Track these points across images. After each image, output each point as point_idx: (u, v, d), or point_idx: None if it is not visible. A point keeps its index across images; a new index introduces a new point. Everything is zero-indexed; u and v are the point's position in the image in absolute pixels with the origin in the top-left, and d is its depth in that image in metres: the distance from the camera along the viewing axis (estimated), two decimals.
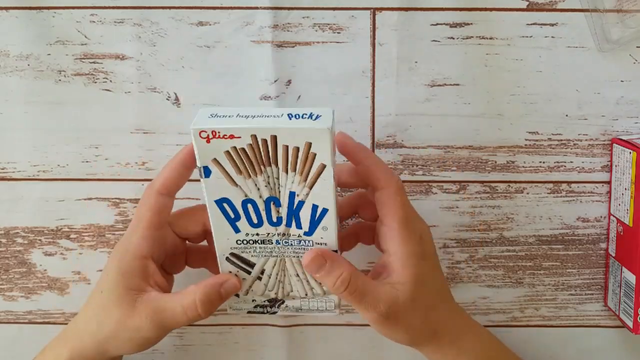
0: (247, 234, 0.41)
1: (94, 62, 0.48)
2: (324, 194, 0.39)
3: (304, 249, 0.41)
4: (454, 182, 0.50)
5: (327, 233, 0.41)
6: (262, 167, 0.39)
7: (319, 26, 0.47)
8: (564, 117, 0.49)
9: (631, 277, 0.47)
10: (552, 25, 0.47)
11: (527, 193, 0.50)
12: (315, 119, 0.37)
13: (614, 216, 0.49)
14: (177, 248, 0.45)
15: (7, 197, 0.50)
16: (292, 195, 0.40)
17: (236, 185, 0.39)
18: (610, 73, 0.48)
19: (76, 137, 0.49)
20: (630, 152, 0.46)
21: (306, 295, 0.44)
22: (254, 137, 0.37)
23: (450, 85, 0.48)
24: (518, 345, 0.53)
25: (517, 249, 0.51)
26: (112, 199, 0.50)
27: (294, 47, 0.48)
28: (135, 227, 0.42)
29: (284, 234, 0.41)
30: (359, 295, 0.39)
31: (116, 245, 0.43)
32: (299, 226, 0.41)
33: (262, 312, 0.45)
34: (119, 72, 0.48)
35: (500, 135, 0.49)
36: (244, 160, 0.38)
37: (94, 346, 0.41)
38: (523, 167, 0.50)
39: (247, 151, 0.38)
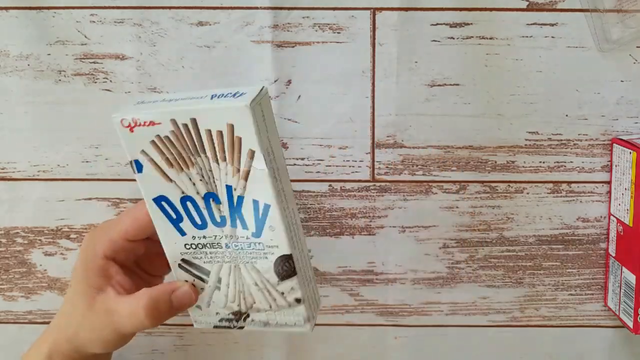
0: (193, 237, 0.38)
1: (94, 62, 0.48)
2: (262, 187, 0.35)
3: (256, 253, 0.37)
4: (454, 182, 0.50)
5: (276, 234, 0.36)
6: (192, 157, 0.35)
7: (319, 26, 0.47)
8: (564, 117, 0.49)
9: (631, 277, 0.47)
10: (552, 25, 0.47)
11: (527, 193, 0.50)
12: (237, 97, 0.33)
13: (614, 216, 0.49)
14: (151, 249, 0.42)
15: (7, 197, 0.50)
16: (229, 189, 0.36)
17: (170, 180, 0.36)
18: (610, 73, 0.48)
19: (76, 137, 0.49)
20: (630, 152, 0.46)
21: (270, 307, 0.39)
22: (174, 121, 0.34)
23: (450, 85, 0.48)
24: (518, 345, 0.53)
25: (517, 249, 0.51)
26: (112, 199, 0.50)
27: (294, 47, 0.48)
28: (113, 226, 0.40)
29: (231, 236, 0.37)
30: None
31: (91, 231, 0.42)
32: (244, 226, 0.37)
33: (229, 327, 0.41)
34: (119, 72, 0.48)
35: (500, 135, 0.49)
36: (172, 151, 0.35)
37: (67, 342, 0.41)
38: (523, 167, 0.50)
39: (172, 139, 0.35)
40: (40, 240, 0.51)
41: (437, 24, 0.47)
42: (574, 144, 0.49)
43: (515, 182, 0.50)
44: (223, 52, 0.48)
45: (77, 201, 0.50)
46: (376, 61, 0.48)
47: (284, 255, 0.37)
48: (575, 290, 0.52)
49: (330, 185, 0.50)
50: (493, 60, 0.48)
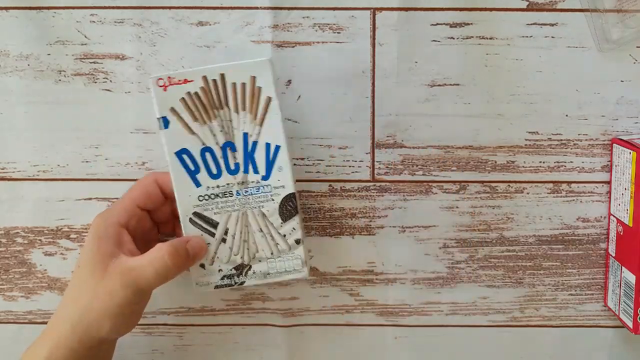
0: (207, 188, 0.43)
1: (94, 62, 0.48)
2: (274, 130, 0.43)
3: (264, 196, 0.44)
4: (454, 182, 0.50)
5: (283, 174, 0.43)
6: (215, 110, 0.42)
7: (319, 26, 0.47)
8: (564, 117, 0.49)
9: (631, 277, 0.47)
10: (552, 25, 0.47)
11: (527, 193, 0.50)
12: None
13: (614, 216, 0.49)
14: (151, 234, 0.47)
15: (7, 197, 0.50)
16: (245, 136, 0.43)
17: (193, 133, 0.42)
18: (610, 73, 0.48)
19: (76, 137, 0.49)
20: (630, 152, 0.46)
21: (272, 254, 0.45)
22: (205, 78, 0.42)
23: (450, 85, 0.48)
24: (518, 345, 0.53)
25: (517, 249, 0.51)
26: (112, 199, 0.50)
27: (294, 47, 0.48)
28: (120, 201, 0.45)
29: (242, 182, 0.43)
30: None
31: (99, 214, 0.44)
32: (255, 170, 0.43)
33: (230, 284, 0.45)
34: (119, 72, 0.48)
35: (500, 135, 0.49)
36: (199, 106, 0.42)
37: (72, 331, 0.41)
38: (523, 167, 0.50)
39: (201, 95, 0.42)
40: (40, 240, 0.51)
41: (437, 24, 0.47)
42: (574, 144, 0.49)
43: (515, 182, 0.50)
44: (223, 52, 0.48)
45: (77, 201, 0.50)
46: (376, 61, 0.48)
47: (288, 194, 0.44)
48: (575, 290, 0.52)
49: (330, 185, 0.50)
50: (493, 60, 0.48)
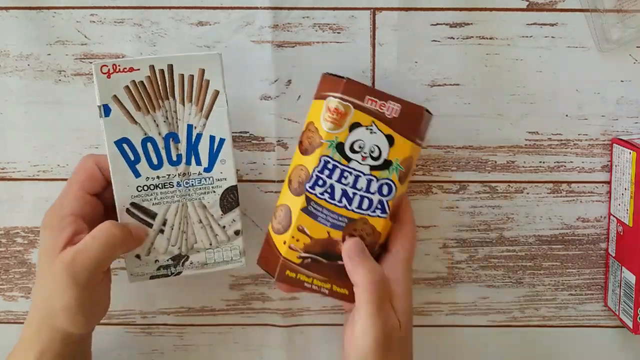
0: (147, 178, 0.43)
1: (94, 62, 0.48)
2: (220, 123, 0.43)
3: (205, 188, 0.43)
4: (454, 182, 0.50)
5: (226, 167, 0.43)
6: (160, 101, 0.42)
7: (319, 26, 0.47)
8: (564, 117, 0.49)
9: (631, 277, 0.47)
10: (552, 25, 0.47)
11: (527, 193, 0.50)
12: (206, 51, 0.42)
13: (614, 216, 0.49)
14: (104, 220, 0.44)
15: (7, 197, 0.50)
16: (189, 128, 0.42)
17: (135, 122, 0.42)
18: (610, 73, 0.48)
19: (76, 137, 0.49)
20: (630, 152, 0.46)
21: (211, 244, 0.44)
22: (152, 67, 0.41)
23: (450, 85, 0.48)
24: (518, 345, 0.53)
25: (517, 249, 0.51)
26: None
27: (294, 47, 0.48)
28: (67, 189, 0.43)
29: (184, 174, 0.43)
30: (382, 305, 0.39)
31: (48, 209, 0.43)
32: (198, 162, 0.43)
33: (166, 274, 0.44)
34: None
35: (500, 135, 0.49)
36: (143, 95, 0.41)
37: (39, 333, 0.40)
38: (523, 167, 0.50)
39: (146, 84, 0.41)
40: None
41: (437, 24, 0.47)
42: (574, 144, 0.49)
43: (515, 182, 0.50)
44: (223, 52, 0.48)
45: None
46: (376, 61, 0.48)
47: (230, 187, 0.44)
48: (575, 290, 0.52)
49: None
50: (493, 60, 0.48)
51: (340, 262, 0.41)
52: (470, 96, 0.48)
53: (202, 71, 0.42)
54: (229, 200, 0.44)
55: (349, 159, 0.41)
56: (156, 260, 0.44)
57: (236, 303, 0.52)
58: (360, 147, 0.41)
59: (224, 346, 0.53)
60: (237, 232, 0.45)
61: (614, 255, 0.50)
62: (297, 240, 0.41)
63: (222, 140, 0.43)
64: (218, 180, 0.43)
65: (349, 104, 0.40)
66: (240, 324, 0.53)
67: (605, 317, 0.52)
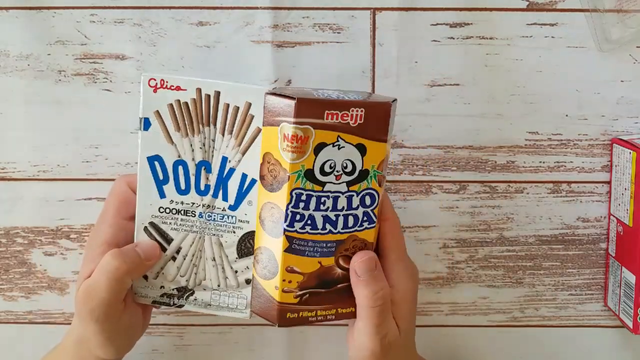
0: (171, 201, 0.41)
1: (94, 62, 0.48)
2: (255, 163, 0.39)
3: (226, 226, 0.41)
4: (454, 182, 0.50)
5: (252, 210, 0.40)
6: (201, 126, 0.40)
7: (319, 26, 0.47)
8: (564, 117, 0.49)
9: (631, 277, 0.47)
10: (552, 25, 0.47)
11: (527, 193, 0.50)
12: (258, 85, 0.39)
13: (614, 216, 0.49)
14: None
15: (7, 197, 0.50)
16: (224, 160, 0.40)
17: (172, 142, 0.40)
18: (610, 73, 0.48)
19: (76, 137, 0.49)
20: (630, 152, 0.46)
21: (219, 286, 0.42)
22: (199, 90, 0.39)
23: (450, 85, 0.48)
24: (518, 345, 0.53)
25: (517, 249, 0.51)
26: None
27: (294, 47, 0.48)
28: (102, 217, 0.42)
29: (208, 206, 0.41)
30: (383, 320, 0.38)
31: (88, 236, 0.43)
32: (225, 198, 0.41)
33: (168, 304, 0.43)
34: (119, 72, 0.48)
35: (500, 135, 0.49)
36: (185, 117, 0.40)
37: (84, 350, 0.41)
38: (523, 167, 0.50)
39: (190, 106, 0.40)
40: (40, 240, 0.51)
41: (437, 24, 0.47)
42: (574, 144, 0.49)
43: (515, 182, 0.50)
44: (223, 52, 0.48)
45: (77, 201, 0.50)
46: (376, 61, 0.48)
47: (251, 231, 0.41)
48: (575, 290, 0.52)
49: None
50: (493, 60, 0.48)
51: (339, 285, 0.39)
52: (470, 96, 0.48)
53: (249, 105, 0.39)
54: (247, 245, 0.41)
55: (322, 184, 0.37)
56: (162, 287, 0.42)
57: None
58: (331, 167, 0.37)
59: (224, 346, 0.53)
60: (247, 281, 0.42)
61: (614, 255, 0.50)
62: (289, 282, 0.38)
63: (253, 181, 0.40)
64: (241, 221, 0.41)
65: (308, 126, 0.36)
66: (240, 324, 0.53)
67: (605, 317, 0.52)
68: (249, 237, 0.41)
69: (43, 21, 0.48)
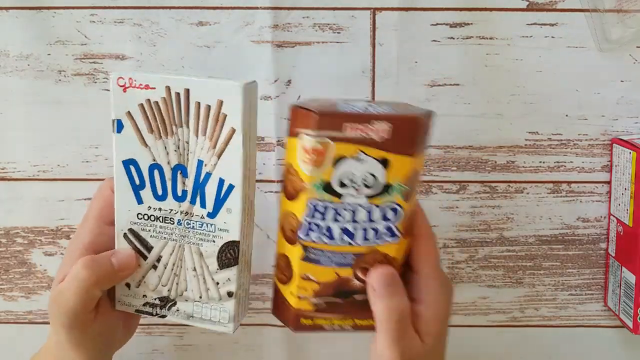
0: (149, 208, 0.39)
1: (94, 62, 0.48)
2: (232, 167, 0.37)
3: (205, 235, 0.39)
4: (454, 182, 0.50)
5: (231, 218, 0.38)
6: (173, 127, 0.38)
7: (319, 26, 0.47)
8: (564, 117, 0.49)
9: (631, 277, 0.47)
10: (552, 25, 0.47)
11: (527, 193, 0.50)
12: (231, 80, 0.37)
13: (614, 216, 0.49)
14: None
15: (7, 197, 0.50)
16: (200, 164, 0.38)
17: (146, 145, 0.38)
18: (610, 73, 0.48)
19: (76, 137, 0.49)
20: (630, 152, 0.46)
21: (200, 297, 0.40)
22: (168, 89, 0.37)
23: (450, 85, 0.48)
24: (518, 345, 0.53)
25: (517, 249, 0.51)
26: None
27: (294, 47, 0.48)
28: (84, 221, 0.41)
29: (187, 213, 0.39)
30: (402, 334, 0.37)
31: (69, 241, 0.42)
32: (203, 204, 0.39)
33: (151, 314, 0.41)
34: (119, 72, 0.48)
35: (500, 135, 0.49)
36: (157, 117, 0.38)
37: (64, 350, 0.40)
38: (523, 167, 0.50)
39: (161, 106, 0.37)
40: (40, 240, 0.51)
41: (437, 24, 0.47)
42: (574, 144, 0.49)
43: (515, 182, 0.50)
44: (223, 52, 0.48)
45: (77, 201, 0.50)
46: (376, 61, 0.48)
47: (231, 241, 0.39)
48: (575, 290, 0.52)
49: None
50: (493, 60, 0.48)
51: (358, 297, 0.38)
52: (470, 96, 0.48)
53: (220, 103, 0.36)
54: (228, 256, 0.39)
55: (340, 196, 0.36)
56: (144, 295, 0.41)
57: None
58: (350, 180, 0.36)
59: (224, 346, 0.53)
60: (229, 294, 0.40)
61: (614, 255, 0.50)
62: (305, 289, 0.38)
63: (231, 187, 0.38)
64: (220, 230, 0.39)
65: (326, 139, 0.35)
66: (240, 324, 0.53)
67: (605, 317, 0.52)
68: (229, 247, 0.39)
69: (43, 21, 0.48)
